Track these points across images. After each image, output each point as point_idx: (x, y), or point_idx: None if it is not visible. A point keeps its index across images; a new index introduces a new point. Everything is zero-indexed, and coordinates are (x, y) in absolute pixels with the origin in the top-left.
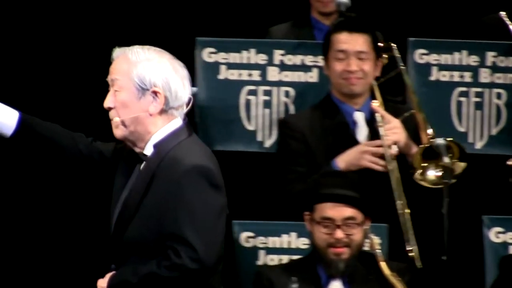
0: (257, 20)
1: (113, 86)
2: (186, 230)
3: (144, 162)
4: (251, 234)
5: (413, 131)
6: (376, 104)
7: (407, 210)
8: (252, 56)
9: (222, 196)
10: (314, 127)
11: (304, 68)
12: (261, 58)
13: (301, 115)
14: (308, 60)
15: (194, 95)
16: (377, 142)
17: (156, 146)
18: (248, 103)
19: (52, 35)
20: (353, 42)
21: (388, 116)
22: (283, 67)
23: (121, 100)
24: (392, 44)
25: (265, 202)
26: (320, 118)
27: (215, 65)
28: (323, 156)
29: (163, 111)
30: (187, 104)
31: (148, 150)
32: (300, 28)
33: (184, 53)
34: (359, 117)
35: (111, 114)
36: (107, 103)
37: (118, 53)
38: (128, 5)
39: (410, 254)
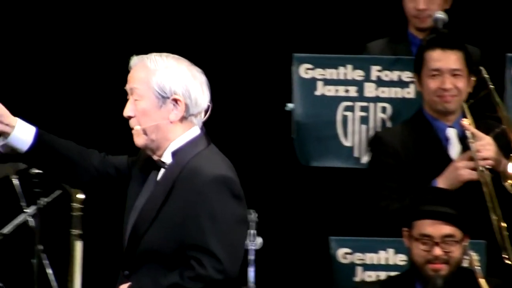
0: (354, 36)
1: (132, 95)
2: (210, 240)
3: (163, 171)
4: (348, 250)
5: (504, 147)
6: (466, 122)
7: (503, 224)
8: (349, 72)
9: (243, 207)
10: (407, 143)
11: (401, 84)
12: (358, 74)
13: (392, 131)
14: (405, 76)
15: (290, 111)
16: (468, 154)
17: (174, 154)
18: (345, 119)
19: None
20: (446, 60)
21: (479, 134)
22: (380, 83)
23: (142, 108)
24: (481, 68)
25: (362, 218)
26: (412, 134)
27: (312, 81)
28: (416, 171)
29: (183, 119)
30: (206, 112)
31: (166, 158)
32: (397, 43)
33: (281, 69)
34: (452, 133)
35: (132, 122)
36: (127, 112)
37: (135, 61)
38: (229, 21)
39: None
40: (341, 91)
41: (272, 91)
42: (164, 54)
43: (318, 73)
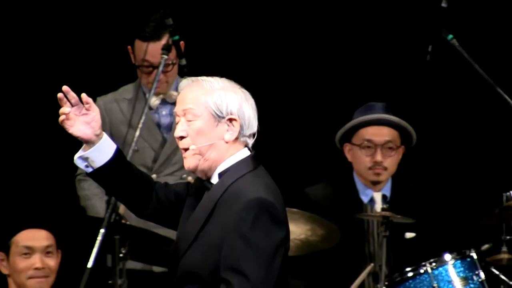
0: None
1: (185, 115)
2: (242, 261)
3: (207, 191)
4: None
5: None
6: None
7: None
8: None
9: (282, 231)
10: None
11: None
12: None
13: None
14: None
15: None
16: None
17: (221, 174)
18: None
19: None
20: None
21: None
22: None
23: (198, 128)
24: None
25: None
26: None
27: None
28: None
29: (236, 139)
30: (254, 135)
31: (215, 179)
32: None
33: None
34: None
35: (183, 143)
36: (179, 132)
37: (186, 83)
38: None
39: None
40: None
41: None
42: (216, 77)
43: None
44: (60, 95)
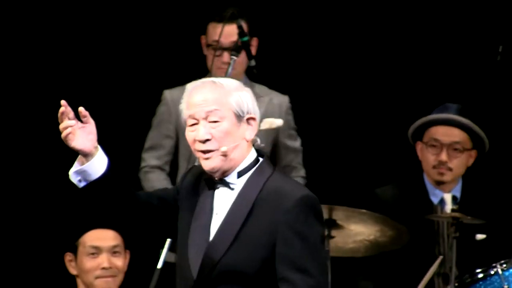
0: None
1: (207, 117)
2: (304, 260)
3: (238, 192)
4: None
5: None
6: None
7: None
8: None
9: (323, 225)
10: None
11: None
12: None
13: None
14: None
15: None
16: None
17: (240, 174)
18: None
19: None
20: None
21: None
22: None
23: (225, 129)
24: None
25: None
26: None
27: None
28: None
29: (252, 138)
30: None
31: (233, 178)
32: None
33: None
34: None
35: (209, 145)
36: (204, 135)
37: (200, 84)
38: None
39: None
40: None
41: None
42: (223, 78)
43: None
44: (62, 109)
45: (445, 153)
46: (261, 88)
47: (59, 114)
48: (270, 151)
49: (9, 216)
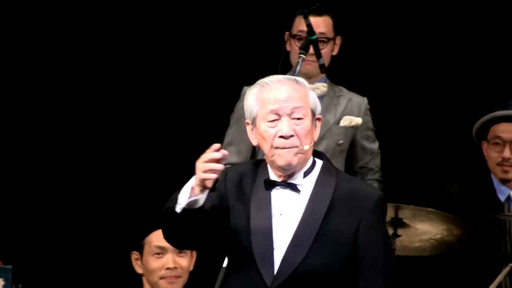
0: None
1: (291, 114)
2: (387, 259)
3: (311, 193)
4: None
5: None
6: None
7: None
8: None
9: None
10: None
11: None
12: None
13: None
14: None
15: None
16: None
17: (306, 173)
18: None
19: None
20: None
21: None
22: None
23: (307, 127)
24: None
25: None
26: None
27: None
28: None
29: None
30: None
31: (299, 179)
32: None
33: None
34: None
35: (292, 141)
36: (289, 131)
37: (283, 79)
38: None
39: None
40: None
41: None
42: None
43: None
44: (225, 153)
45: (508, 149)
46: (341, 88)
47: (221, 155)
48: (347, 151)
49: (78, 215)
